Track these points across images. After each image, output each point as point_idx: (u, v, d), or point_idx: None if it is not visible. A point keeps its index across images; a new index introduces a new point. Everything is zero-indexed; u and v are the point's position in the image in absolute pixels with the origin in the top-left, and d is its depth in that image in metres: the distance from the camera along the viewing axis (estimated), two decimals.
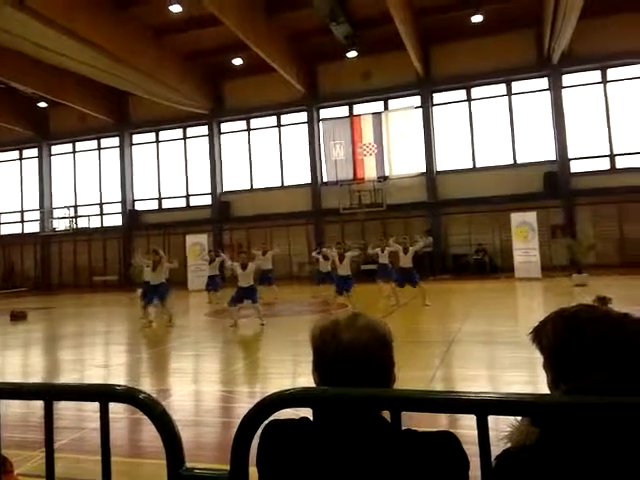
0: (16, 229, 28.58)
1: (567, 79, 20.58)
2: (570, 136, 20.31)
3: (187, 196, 25.59)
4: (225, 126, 25.11)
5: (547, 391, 1.21)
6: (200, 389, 6.34)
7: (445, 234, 21.73)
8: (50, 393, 1.18)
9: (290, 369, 7.14)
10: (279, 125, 24.27)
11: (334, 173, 22.95)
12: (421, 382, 5.41)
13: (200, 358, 8.35)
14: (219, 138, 25.02)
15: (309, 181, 23.27)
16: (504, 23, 19.64)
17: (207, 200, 24.86)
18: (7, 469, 1.31)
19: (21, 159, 28.75)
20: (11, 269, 27.93)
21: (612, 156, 20.09)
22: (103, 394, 1.13)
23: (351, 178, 22.56)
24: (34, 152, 28.08)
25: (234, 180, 24.76)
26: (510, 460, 1.07)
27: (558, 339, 1.19)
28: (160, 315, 11.99)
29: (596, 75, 20.34)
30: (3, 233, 28.72)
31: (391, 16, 16.12)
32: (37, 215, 27.71)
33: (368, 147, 22.60)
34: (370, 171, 22.50)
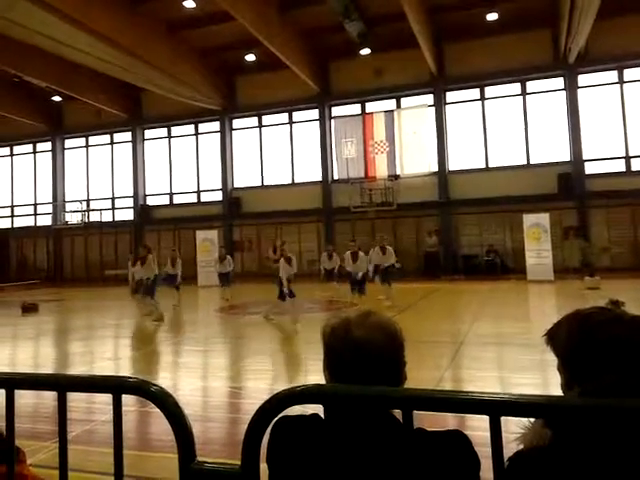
0: (29, 222, 28.87)
1: (583, 79, 20.37)
2: (585, 137, 20.11)
3: (198, 192, 25.69)
4: (237, 122, 25.17)
5: (559, 393, 1.20)
6: (208, 385, 6.36)
7: (456, 234, 21.63)
8: (63, 384, 1.20)
9: (299, 366, 7.15)
10: (291, 122, 24.28)
11: (345, 171, 22.93)
12: (430, 382, 5.39)
13: (208, 353, 8.38)
14: (231, 134, 25.08)
15: (320, 179, 23.26)
16: (520, 22, 19.47)
17: (218, 196, 24.95)
18: (20, 459, 1.32)
19: (35, 152, 29.02)
20: (24, 261, 28.22)
21: (628, 158, 19.87)
22: (115, 386, 1.13)
23: (362, 176, 22.52)
24: (48, 146, 28.33)
25: (245, 176, 24.82)
26: (523, 461, 1.06)
27: (572, 341, 1.18)
28: (174, 307, 12.06)
29: (613, 75, 20.11)
30: (16, 226, 29.02)
31: (405, 14, 16.05)
32: (50, 208, 27.96)
33: (380, 145, 22.54)
34: (381, 169, 22.45)
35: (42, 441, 3.90)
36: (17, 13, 14.12)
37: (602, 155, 20.08)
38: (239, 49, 21.35)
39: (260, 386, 6.12)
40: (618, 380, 1.06)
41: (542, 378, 5.83)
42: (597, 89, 20.34)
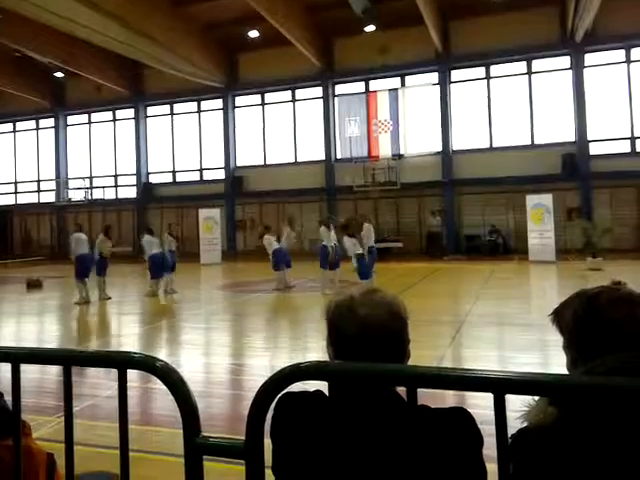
0: (32, 198, 28.87)
1: (590, 58, 20.06)
2: (590, 117, 19.90)
3: (201, 170, 25.59)
4: (239, 100, 24.93)
5: (561, 372, 1.20)
6: (210, 361, 6.42)
7: (459, 214, 21.57)
8: (69, 359, 1.20)
9: (301, 344, 7.19)
10: (294, 100, 24.04)
11: (348, 150, 22.77)
12: (431, 361, 5.43)
13: (211, 331, 8.44)
14: (233, 112, 24.87)
15: (323, 157, 23.11)
16: None
17: (220, 174, 24.85)
18: (26, 432, 1.33)
19: (37, 129, 28.88)
20: (28, 238, 28.28)
21: (633, 139, 19.67)
22: (121, 361, 1.14)
23: (365, 155, 22.38)
24: (50, 122, 28.18)
25: (248, 155, 24.69)
26: (527, 439, 1.06)
27: (579, 319, 1.18)
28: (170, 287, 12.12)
29: (620, 55, 19.80)
30: (20, 202, 29.02)
31: None
32: (53, 185, 27.91)
33: (383, 124, 22.34)
34: (385, 149, 22.29)
35: (46, 415, 3.95)
36: None
37: (607, 136, 19.89)
38: (242, 25, 21.03)
39: (261, 363, 6.16)
40: (625, 359, 1.06)
41: (543, 358, 5.87)
42: (604, 68, 20.05)
